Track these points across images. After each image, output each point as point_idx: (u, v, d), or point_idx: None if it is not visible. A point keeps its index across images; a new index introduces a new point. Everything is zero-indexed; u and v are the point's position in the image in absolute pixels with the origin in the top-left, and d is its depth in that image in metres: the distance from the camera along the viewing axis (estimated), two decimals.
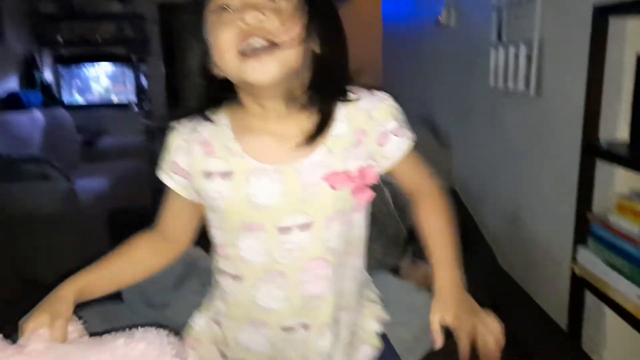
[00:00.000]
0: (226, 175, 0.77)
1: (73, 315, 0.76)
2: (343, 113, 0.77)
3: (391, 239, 2.21)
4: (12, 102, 4.11)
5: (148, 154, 4.15)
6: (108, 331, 0.76)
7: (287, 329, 0.79)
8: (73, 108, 4.81)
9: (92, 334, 0.77)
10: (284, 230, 0.76)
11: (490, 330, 0.75)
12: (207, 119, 0.79)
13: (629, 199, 1.23)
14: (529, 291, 1.78)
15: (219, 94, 0.79)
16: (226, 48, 0.71)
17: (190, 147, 0.79)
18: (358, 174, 0.77)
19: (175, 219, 0.86)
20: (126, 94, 5.10)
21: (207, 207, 0.81)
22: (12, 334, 0.73)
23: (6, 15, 4.25)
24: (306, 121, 0.76)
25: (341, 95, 0.78)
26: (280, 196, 0.76)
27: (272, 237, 0.77)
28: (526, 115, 1.82)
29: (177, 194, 0.82)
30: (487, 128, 2.17)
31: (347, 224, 0.79)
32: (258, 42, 0.70)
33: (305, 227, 0.77)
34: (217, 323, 0.85)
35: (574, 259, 1.38)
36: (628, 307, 1.19)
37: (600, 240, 1.27)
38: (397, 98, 0.84)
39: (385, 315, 0.90)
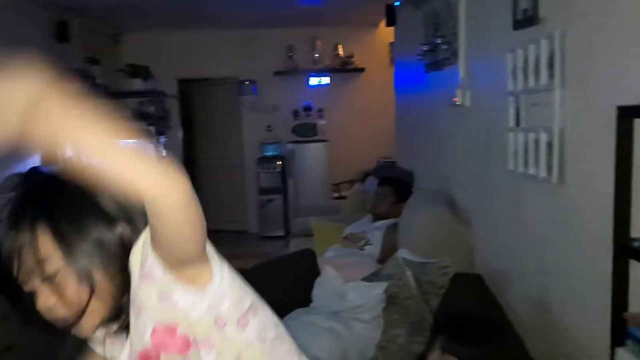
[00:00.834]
0: None
1: None
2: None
3: (415, 324, 2.16)
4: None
5: None
6: None
7: None
8: None
9: None
10: None
11: None
12: None
13: None
14: None
15: None
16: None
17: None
18: (153, 341, 0.78)
19: None
20: None
21: None
22: None
23: None
24: None
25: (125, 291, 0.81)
26: None
27: None
28: (549, 202, 1.82)
29: None
30: (508, 210, 2.16)
31: None
32: (67, 320, 0.78)
33: None
34: None
35: None
36: None
37: (639, 341, 1.23)
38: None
39: None
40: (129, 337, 0.81)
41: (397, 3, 4.35)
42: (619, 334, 1.30)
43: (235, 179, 6.76)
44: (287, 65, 6.52)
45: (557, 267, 1.77)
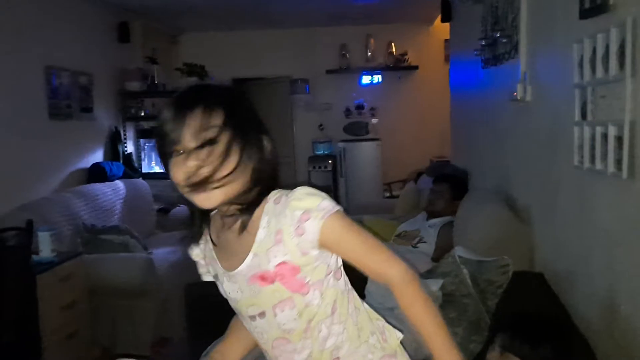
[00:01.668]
0: (215, 277, 1.08)
1: None
2: (265, 219, 0.97)
3: (472, 323, 2.11)
4: (97, 173, 4.37)
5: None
6: None
7: None
8: (151, 177, 5.05)
9: None
10: (252, 318, 1.03)
11: None
12: (196, 238, 1.07)
13: None
14: None
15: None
16: (180, 185, 0.93)
17: (200, 260, 1.12)
18: (275, 270, 0.96)
19: None
20: None
21: None
22: None
23: (97, 94, 4.59)
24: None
25: (260, 198, 0.97)
26: (239, 292, 1.02)
27: (247, 323, 1.06)
28: (618, 199, 1.73)
29: None
30: (573, 208, 2.07)
31: (298, 306, 0.98)
32: (199, 184, 0.90)
33: (261, 315, 1.01)
34: None
35: None
36: None
37: None
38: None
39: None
40: (251, 252, 0.97)
41: None
42: None
43: (286, 178, 6.80)
44: (340, 64, 6.52)
45: (628, 267, 1.68)
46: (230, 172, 0.91)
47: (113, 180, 4.38)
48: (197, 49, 6.17)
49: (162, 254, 3.61)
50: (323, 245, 0.96)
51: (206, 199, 0.92)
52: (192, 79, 5.09)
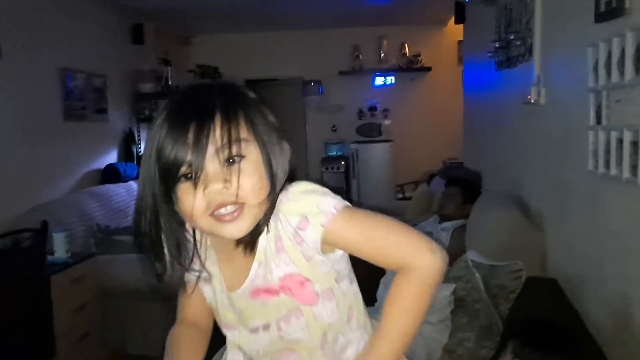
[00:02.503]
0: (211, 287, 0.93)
1: None
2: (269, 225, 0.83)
3: (484, 328, 2.09)
4: (111, 174, 4.40)
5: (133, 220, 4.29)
6: None
7: None
8: None
9: None
10: (253, 330, 0.90)
11: None
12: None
13: None
14: None
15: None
16: (196, 215, 0.76)
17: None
18: (279, 284, 0.84)
19: (196, 307, 0.99)
20: None
21: None
22: None
23: (111, 96, 4.63)
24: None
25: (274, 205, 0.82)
26: (242, 309, 0.89)
27: (242, 336, 0.92)
28: (633, 205, 1.71)
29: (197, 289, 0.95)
30: (586, 213, 2.05)
31: (306, 316, 0.87)
32: (227, 209, 0.76)
33: (266, 328, 0.89)
34: None
35: None
36: None
37: None
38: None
39: None
40: (255, 261, 0.85)
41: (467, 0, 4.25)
42: None
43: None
44: (353, 65, 6.51)
45: None
46: (268, 193, 0.78)
47: (127, 181, 4.41)
48: (210, 51, 6.19)
49: None
50: (329, 247, 0.84)
51: (236, 229, 0.77)
52: (205, 81, 5.11)
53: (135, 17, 5.05)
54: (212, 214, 0.76)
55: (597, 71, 1.88)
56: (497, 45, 3.20)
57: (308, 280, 0.84)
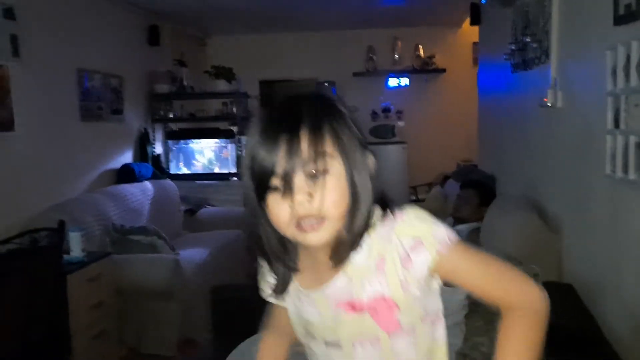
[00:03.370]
0: (279, 296, 0.94)
1: None
2: (366, 241, 0.83)
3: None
4: (126, 174, 4.44)
5: (246, 223, 4.30)
6: None
7: None
8: (178, 178, 5.12)
9: None
10: (329, 344, 0.89)
11: None
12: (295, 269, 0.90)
13: None
14: None
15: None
16: (283, 224, 0.80)
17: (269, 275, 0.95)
18: (368, 303, 0.83)
19: (283, 317, 0.99)
20: (227, 166, 5.35)
21: None
22: None
23: (127, 96, 4.67)
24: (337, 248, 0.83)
25: (368, 223, 0.82)
26: (318, 316, 0.88)
27: (317, 347, 0.91)
28: None
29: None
30: (603, 218, 2.03)
31: (383, 346, 0.85)
32: (310, 221, 0.78)
33: (335, 345, 0.88)
34: None
35: None
36: None
37: None
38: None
39: None
40: (342, 273, 0.85)
41: (483, 1, 4.22)
42: None
43: None
44: (367, 66, 6.50)
45: None
46: (349, 207, 0.79)
47: (142, 181, 4.44)
48: (225, 52, 6.22)
49: (189, 255, 3.65)
50: (431, 277, 0.84)
51: (317, 238, 0.79)
52: (220, 82, 5.14)
53: (152, 19, 5.09)
54: (296, 224, 0.79)
55: (616, 75, 1.86)
56: (513, 48, 3.19)
57: (397, 307, 0.84)
